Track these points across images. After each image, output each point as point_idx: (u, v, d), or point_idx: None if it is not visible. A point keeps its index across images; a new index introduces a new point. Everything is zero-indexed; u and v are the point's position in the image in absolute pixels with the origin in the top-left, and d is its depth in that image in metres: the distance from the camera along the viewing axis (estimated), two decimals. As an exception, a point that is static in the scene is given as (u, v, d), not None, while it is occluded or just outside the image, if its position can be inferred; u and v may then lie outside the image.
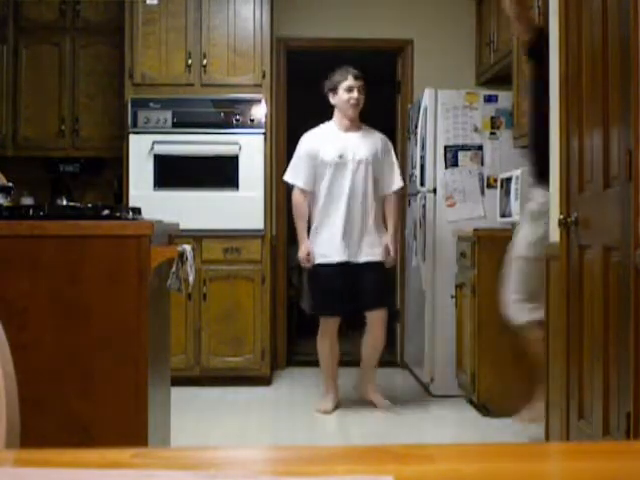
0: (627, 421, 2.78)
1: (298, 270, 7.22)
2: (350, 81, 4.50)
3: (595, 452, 1.03)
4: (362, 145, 4.51)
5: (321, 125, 4.65)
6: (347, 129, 4.54)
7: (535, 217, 3.78)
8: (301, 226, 4.54)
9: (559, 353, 3.53)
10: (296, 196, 4.57)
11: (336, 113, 4.59)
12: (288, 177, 4.63)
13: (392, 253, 4.53)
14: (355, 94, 4.49)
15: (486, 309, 4.36)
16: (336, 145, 4.49)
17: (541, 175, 3.71)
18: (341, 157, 4.46)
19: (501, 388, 4.33)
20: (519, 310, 3.82)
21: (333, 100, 4.56)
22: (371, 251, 4.47)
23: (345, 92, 4.49)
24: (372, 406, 4.54)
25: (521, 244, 3.83)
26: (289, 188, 4.85)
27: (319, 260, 4.47)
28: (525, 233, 3.83)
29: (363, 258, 4.45)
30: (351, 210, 4.44)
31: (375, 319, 4.51)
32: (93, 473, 0.89)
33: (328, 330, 4.56)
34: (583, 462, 0.96)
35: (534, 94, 3.85)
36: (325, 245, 4.47)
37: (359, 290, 4.46)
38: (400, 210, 4.84)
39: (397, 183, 4.61)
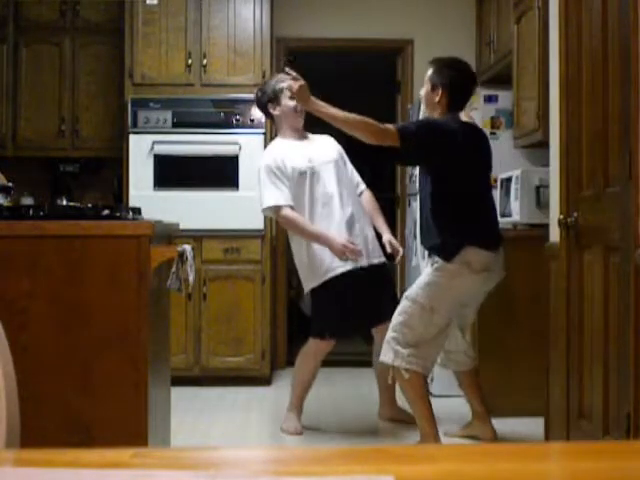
0: (627, 421, 2.78)
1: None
2: None
3: (595, 452, 1.03)
4: (323, 148, 4.14)
5: (272, 143, 4.25)
6: (300, 137, 4.14)
7: (440, 267, 3.55)
8: (314, 228, 3.99)
9: (559, 353, 3.53)
10: (289, 214, 4.00)
11: (282, 127, 4.14)
12: (270, 201, 4.01)
13: (399, 247, 4.16)
14: None
15: (486, 309, 4.35)
16: (300, 153, 4.06)
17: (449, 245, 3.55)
18: (310, 161, 4.04)
19: (501, 388, 4.33)
20: (389, 350, 3.57)
21: (275, 111, 4.10)
22: (376, 251, 4.12)
23: (290, 99, 3.97)
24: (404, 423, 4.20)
25: (417, 286, 3.61)
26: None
27: (332, 273, 3.98)
28: (424, 277, 3.61)
29: (373, 259, 4.09)
30: (345, 212, 4.04)
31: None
32: (93, 473, 0.89)
33: (323, 352, 4.08)
34: (583, 462, 0.96)
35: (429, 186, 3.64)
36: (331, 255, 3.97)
37: (371, 303, 4.07)
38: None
39: (361, 181, 4.31)
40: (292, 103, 4.03)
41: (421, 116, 4.57)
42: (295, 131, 4.15)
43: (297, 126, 4.13)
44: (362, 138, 3.43)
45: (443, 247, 3.56)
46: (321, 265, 4.01)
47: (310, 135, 4.25)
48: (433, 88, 3.65)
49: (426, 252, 3.93)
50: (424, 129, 3.57)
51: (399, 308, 3.64)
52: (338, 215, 4.03)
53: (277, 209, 4.03)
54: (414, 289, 3.62)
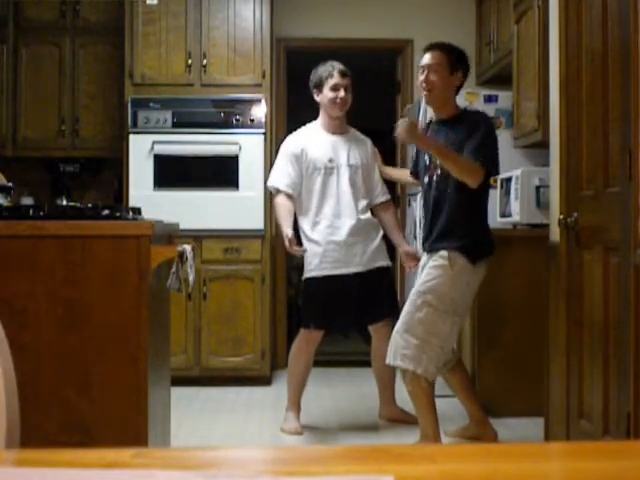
0: (627, 421, 2.78)
1: (298, 270, 7.24)
2: (336, 79, 4.08)
3: (595, 452, 1.03)
4: (351, 149, 4.15)
5: (307, 125, 4.27)
6: (334, 131, 4.17)
7: (461, 271, 3.49)
8: (282, 224, 4.11)
9: (559, 353, 3.53)
10: (278, 201, 4.14)
11: (321, 113, 4.20)
12: (273, 181, 4.17)
13: (415, 253, 4.19)
14: (342, 93, 4.08)
15: (485, 308, 4.36)
16: (324, 148, 4.12)
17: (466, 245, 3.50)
18: (331, 161, 4.09)
19: (501, 388, 4.33)
20: (410, 358, 3.45)
21: (318, 98, 4.15)
22: (378, 256, 4.15)
23: (330, 91, 4.08)
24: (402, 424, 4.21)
25: (434, 292, 3.48)
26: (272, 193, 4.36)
27: (327, 272, 4.08)
28: (440, 284, 3.48)
29: (373, 265, 4.12)
30: (352, 217, 4.07)
31: (385, 332, 3.93)
32: (93, 473, 0.89)
33: (312, 343, 4.15)
34: (583, 462, 0.96)
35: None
36: (331, 255, 4.06)
37: (366, 301, 4.13)
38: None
39: (387, 192, 4.31)
40: (332, 94, 4.11)
41: (429, 112, 4.50)
42: (333, 120, 4.18)
43: (333, 115, 4.16)
44: (467, 181, 3.41)
45: (474, 247, 3.51)
46: (312, 261, 4.12)
47: (351, 130, 4.28)
48: (454, 71, 3.59)
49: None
50: (494, 145, 3.54)
51: (419, 316, 3.47)
52: (345, 218, 4.09)
53: (275, 191, 4.18)
54: (432, 296, 3.47)
